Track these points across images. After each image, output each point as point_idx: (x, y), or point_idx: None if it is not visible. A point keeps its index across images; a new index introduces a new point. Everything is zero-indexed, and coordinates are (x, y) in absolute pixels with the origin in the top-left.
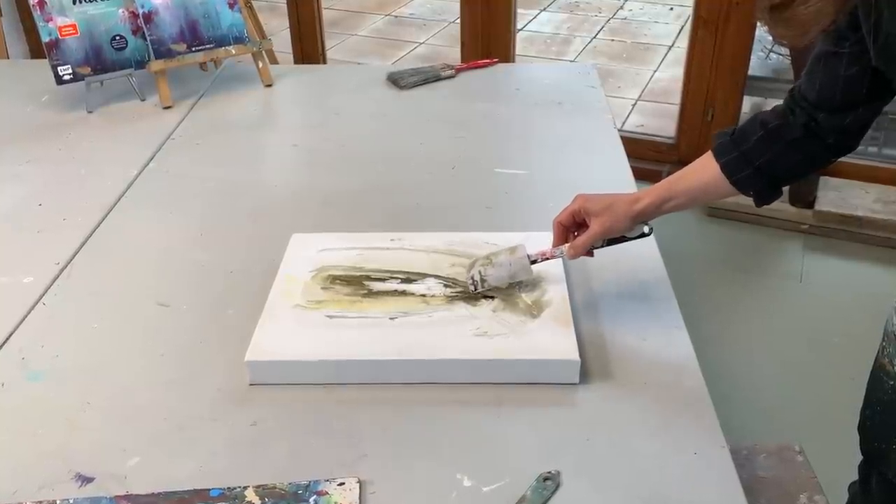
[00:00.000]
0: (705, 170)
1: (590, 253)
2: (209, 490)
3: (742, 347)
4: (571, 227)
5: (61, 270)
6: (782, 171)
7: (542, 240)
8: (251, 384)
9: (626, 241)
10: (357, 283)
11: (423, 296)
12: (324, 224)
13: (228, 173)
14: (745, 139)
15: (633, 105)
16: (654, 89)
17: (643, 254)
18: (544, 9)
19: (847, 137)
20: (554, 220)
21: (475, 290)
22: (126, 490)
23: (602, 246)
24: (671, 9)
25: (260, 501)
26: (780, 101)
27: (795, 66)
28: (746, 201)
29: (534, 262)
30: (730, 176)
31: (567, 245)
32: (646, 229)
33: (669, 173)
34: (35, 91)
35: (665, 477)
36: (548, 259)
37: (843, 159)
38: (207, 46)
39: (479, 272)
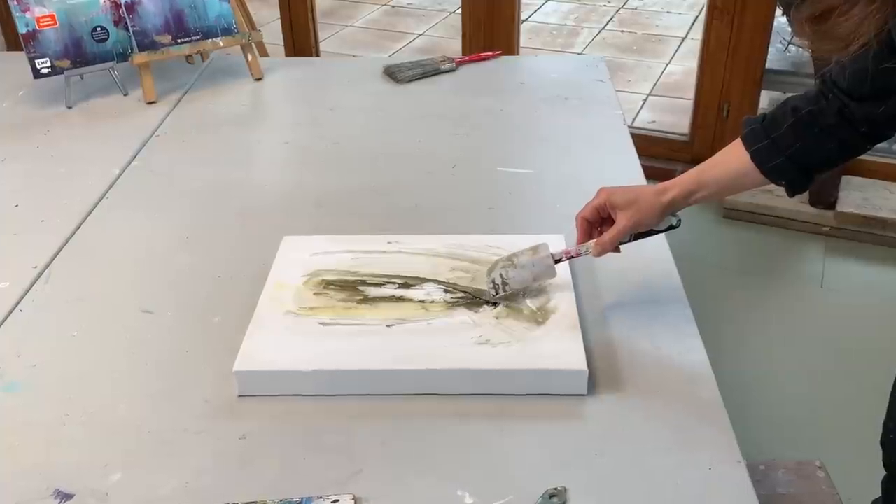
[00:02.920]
0: (735, 158)
1: (616, 249)
2: None
3: (760, 356)
4: (596, 223)
5: (39, 275)
6: (815, 159)
7: (548, 242)
8: (240, 396)
9: (655, 234)
10: (352, 289)
11: (422, 302)
12: (317, 226)
13: (216, 172)
14: (777, 126)
15: (645, 100)
16: (667, 83)
17: (655, 257)
18: None
19: (881, 126)
20: (577, 216)
21: (496, 294)
22: None
23: (629, 241)
24: None
25: None
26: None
27: (816, 61)
28: (763, 201)
29: (558, 261)
30: (760, 165)
31: (593, 242)
32: (674, 221)
33: (682, 172)
34: (11, 85)
35: (678, 493)
36: (573, 258)
37: (865, 157)
38: (194, 38)
39: (501, 275)
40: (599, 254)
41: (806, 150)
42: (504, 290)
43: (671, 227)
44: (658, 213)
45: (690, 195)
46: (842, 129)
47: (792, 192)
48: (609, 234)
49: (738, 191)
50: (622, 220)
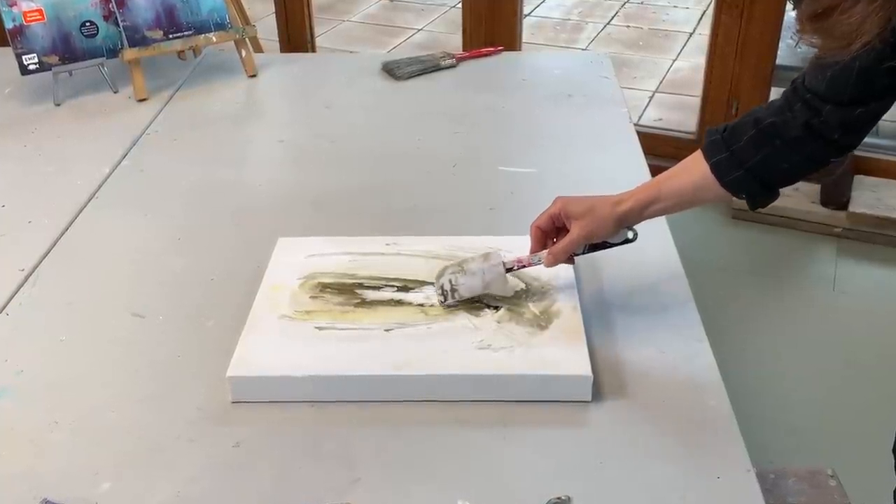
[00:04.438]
0: (696, 169)
1: (570, 260)
2: None
3: (769, 361)
4: (551, 232)
5: (26, 278)
6: (776, 172)
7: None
8: (234, 402)
9: (609, 247)
10: (349, 292)
11: (422, 305)
12: (313, 227)
13: (209, 172)
14: (737, 138)
15: (651, 97)
16: (674, 80)
17: (661, 260)
18: None
19: (852, 133)
20: (531, 225)
21: (444, 300)
22: None
23: (584, 252)
24: None
25: None
26: None
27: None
28: (775, 202)
29: (510, 269)
30: (720, 178)
31: (545, 252)
32: (630, 235)
33: None
34: None
35: (685, 503)
36: (524, 267)
37: (879, 156)
38: (186, 33)
39: (450, 281)
40: (551, 264)
41: (766, 163)
42: (453, 297)
43: (627, 241)
44: (612, 225)
45: (646, 207)
46: (806, 141)
47: (753, 206)
48: (561, 244)
49: (698, 203)
50: (575, 231)
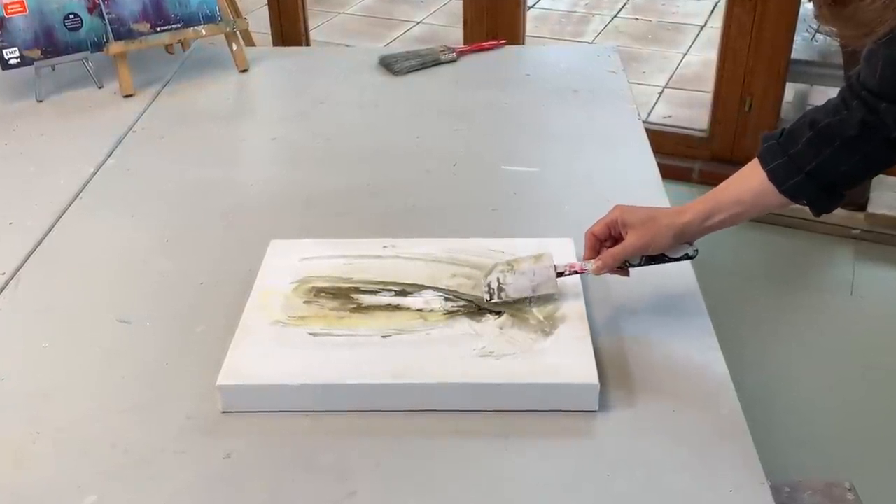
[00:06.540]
0: (753, 177)
1: (625, 271)
2: None
3: (784, 369)
4: (606, 241)
5: (7, 282)
6: (838, 175)
7: (556, 246)
8: (224, 411)
9: (668, 261)
10: (345, 297)
11: (420, 311)
12: (307, 229)
13: (198, 171)
14: (794, 141)
15: (660, 93)
16: (684, 75)
17: (671, 262)
18: None
19: None
20: (587, 232)
21: (490, 299)
22: None
23: (641, 264)
24: None
25: None
26: (827, 88)
27: (845, 50)
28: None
29: (560, 274)
30: (778, 184)
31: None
32: (690, 250)
33: (701, 170)
34: None
35: None
36: (577, 273)
37: None
38: (174, 26)
39: (498, 279)
40: (600, 271)
41: (825, 166)
42: (500, 297)
43: (687, 257)
44: (671, 236)
45: (707, 218)
46: (864, 140)
47: (817, 212)
48: (613, 250)
49: (760, 212)
50: (631, 238)
